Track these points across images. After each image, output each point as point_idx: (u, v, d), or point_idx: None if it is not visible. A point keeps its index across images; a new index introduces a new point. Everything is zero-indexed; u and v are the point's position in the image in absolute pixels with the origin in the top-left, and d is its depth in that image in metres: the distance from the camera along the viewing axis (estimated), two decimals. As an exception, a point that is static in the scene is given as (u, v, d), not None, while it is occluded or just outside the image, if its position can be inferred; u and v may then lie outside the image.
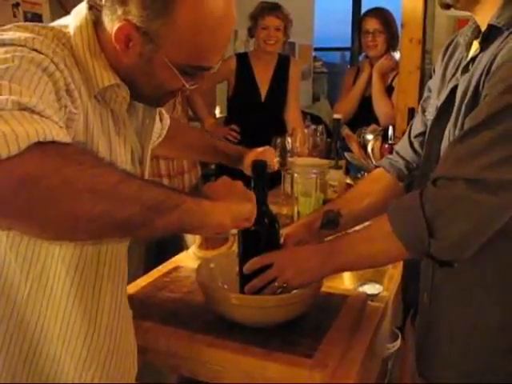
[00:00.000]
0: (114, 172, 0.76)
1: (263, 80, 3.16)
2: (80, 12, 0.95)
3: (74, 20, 0.94)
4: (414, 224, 0.98)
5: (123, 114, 0.99)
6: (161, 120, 1.39)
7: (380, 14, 3.06)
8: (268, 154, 1.63)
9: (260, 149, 1.66)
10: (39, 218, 0.68)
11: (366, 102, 3.06)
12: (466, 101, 1.04)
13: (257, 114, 3.13)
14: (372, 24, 3.02)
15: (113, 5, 0.89)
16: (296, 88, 3.26)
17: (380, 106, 2.96)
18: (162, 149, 1.44)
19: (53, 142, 0.69)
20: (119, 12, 0.88)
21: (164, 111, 1.41)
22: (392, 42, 3.04)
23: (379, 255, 1.09)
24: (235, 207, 0.94)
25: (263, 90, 3.15)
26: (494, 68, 0.97)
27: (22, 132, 0.65)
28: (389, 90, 3.05)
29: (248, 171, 1.52)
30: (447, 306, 1.13)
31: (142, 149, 1.10)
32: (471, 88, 1.03)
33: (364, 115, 2.91)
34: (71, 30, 0.92)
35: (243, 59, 3.16)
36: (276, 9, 3.06)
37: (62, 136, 0.71)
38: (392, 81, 3.06)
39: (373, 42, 2.99)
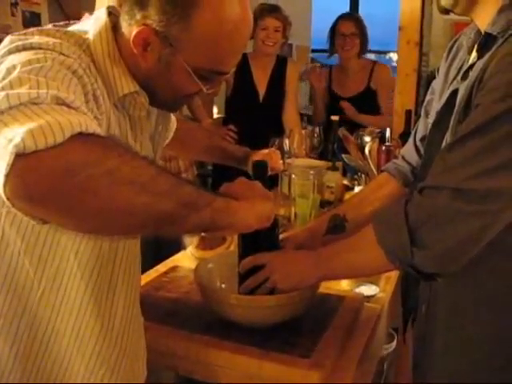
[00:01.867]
0: (152, 165, 0.77)
1: (261, 81, 3.17)
2: (99, 18, 0.95)
3: (93, 26, 0.94)
4: (397, 232, 0.97)
5: (141, 120, 0.99)
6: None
7: (355, 18, 3.27)
8: (273, 156, 1.64)
9: (265, 150, 1.67)
10: (79, 208, 0.68)
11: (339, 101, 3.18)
12: (461, 109, 1.03)
13: (255, 115, 3.14)
14: (348, 27, 3.17)
15: (131, 9, 0.89)
16: (293, 89, 3.26)
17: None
18: (169, 149, 1.45)
19: (93, 134, 0.70)
20: (138, 16, 0.88)
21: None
22: (364, 47, 3.24)
23: (363, 264, 1.08)
24: (259, 207, 0.94)
25: (261, 90, 3.16)
26: (486, 77, 0.96)
27: (66, 122, 0.66)
28: (369, 93, 3.19)
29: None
30: (443, 318, 1.12)
31: (154, 154, 1.10)
32: (466, 96, 1.02)
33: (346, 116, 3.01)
34: (91, 37, 0.92)
35: (242, 60, 3.15)
36: (275, 10, 3.08)
37: (100, 131, 0.72)
38: (369, 83, 3.19)
39: (350, 44, 3.16)
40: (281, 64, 3.21)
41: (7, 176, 0.64)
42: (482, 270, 1.03)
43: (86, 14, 2.03)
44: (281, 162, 1.66)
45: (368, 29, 3.28)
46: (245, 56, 3.21)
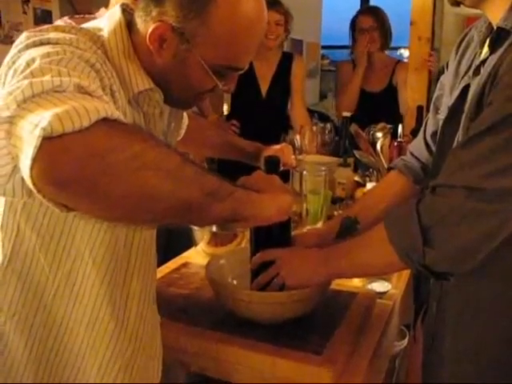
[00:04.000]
0: (176, 153, 0.77)
1: (264, 77, 3.14)
2: (114, 15, 0.95)
3: (107, 23, 0.94)
4: (409, 232, 0.95)
5: (154, 117, 0.99)
6: None
7: (374, 12, 3.14)
8: (286, 151, 1.64)
9: (277, 146, 1.66)
10: (105, 192, 0.68)
11: (366, 98, 3.10)
12: (473, 105, 1.02)
13: (257, 111, 3.13)
14: (367, 21, 3.09)
15: (148, 6, 0.90)
16: (301, 86, 3.24)
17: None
18: (180, 146, 1.45)
19: (116, 120, 0.70)
20: (154, 13, 0.89)
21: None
22: (385, 41, 3.12)
23: (374, 263, 1.07)
24: (279, 199, 0.94)
25: (264, 87, 3.14)
26: (500, 73, 0.94)
27: (92, 107, 0.66)
28: (391, 90, 3.10)
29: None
30: (453, 317, 1.11)
31: None
32: (478, 92, 1.00)
33: (367, 111, 2.92)
34: (105, 34, 0.93)
35: None
36: (276, 4, 3.06)
37: (123, 118, 0.72)
38: (391, 80, 3.11)
39: (370, 39, 3.05)
40: (286, 60, 3.19)
41: (34, 159, 0.64)
42: (495, 269, 1.02)
43: (103, 9, 2.03)
44: (293, 157, 1.65)
45: None
46: None
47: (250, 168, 1.55)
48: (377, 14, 3.12)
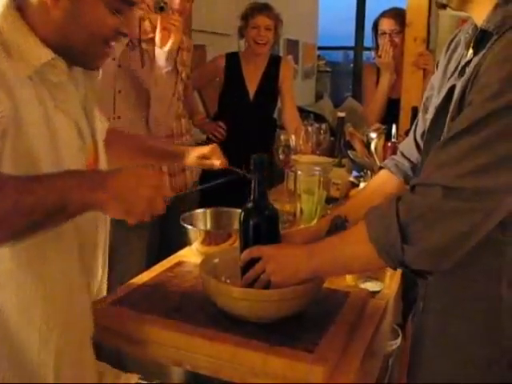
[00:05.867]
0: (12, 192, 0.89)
1: (252, 80, 3.16)
2: (1, 1, 1.00)
3: None
4: (388, 229, 0.97)
5: (63, 86, 1.04)
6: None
7: (396, 14, 3.01)
8: (215, 152, 1.62)
9: (207, 147, 1.65)
10: None
11: (391, 104, 3.01)
12: (455, 105, 1.03)
13: (244, 113, 3.14)
14: (388, 25, 2.98)
15: None
16: (290, 87, 3.26)
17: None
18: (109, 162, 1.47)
19: None
20: None
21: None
22: None
23: (353, 259, 1.08)
24: (128, 203, 1.01)
25: (251, 89, 3.15)
26: (479, 74, 0.96)
27: None
28: None
29: (192, 165, 1.64)
30: (433, 316, 1.13)
31: (89, 120, 1.15)
32: (461, 92, 1.02)
33: (392, 117, 2.79)
34: None
35: (233, 58, 3.17)
36: (267, 8, 3.07)
37: None
38: None
39: (391, 42, 2.94)
40: (274, 63, 3.20)
41: None
42: (473, 269, 1.04)
43: None
44: (223, 158, 1.66)
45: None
46: (236, 55, 3.21)
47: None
48: (400, 16, 2.97)
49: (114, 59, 1.86)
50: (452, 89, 1.10)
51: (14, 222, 0.91)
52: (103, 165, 1.22)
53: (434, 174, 0.95)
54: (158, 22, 1.93)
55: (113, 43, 1.08)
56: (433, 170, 0.96)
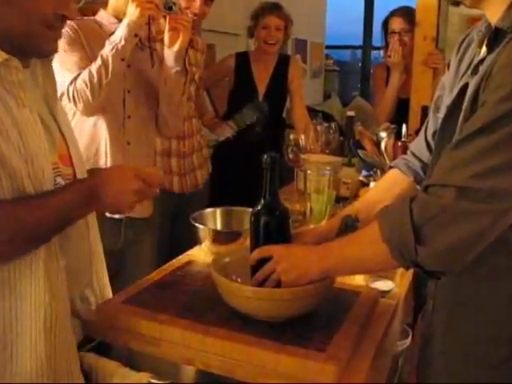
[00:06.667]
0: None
1: (261, 79, 3.17)
2: None
3: None
4: (401, 230, 0.97)
5: (22, 84, 1.05)
6: None
7: (406, 12, 2.99)
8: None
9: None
10: None
11: (401, 103, 2.99)
12: (469, 104, 1.02)
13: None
14: (398, 24, 2.97)
15: None
16: (299, 86, 3.27)
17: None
18: None
19: None
20: None
21: None
22: None
23: (366, 259, 1.08)
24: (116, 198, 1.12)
25: (261, 89, 3.16)
26: (493, 73, 0.95)
27: None
28: None
29: None
30: (444, 316, 1.13)
31: (52, 115, 1.16)
32: (474, 92, 1.01)
33: (401, 117, 2.81)
34: None
35: (243, 58, 3.18)
36: (277, 8, 3.07)
37: None
38: None
39: (401, 41, 2.93)
40: (283, 62, 3.20)
41: None
42: (482, 270, 1.03)
43: (101, 10, 2.05)
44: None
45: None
46: (246, 54, 3.21)
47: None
48: (410, 15, 2.95)
49: (123, 59, 1.86)
50: (465, 87, 1.09)
51: (17, 246, 1.01)
52: (76, 157, 1.22)
53: (447, 174, 0.95)
54: (167, 22, 1.94)
55: (59, 26, 1.08)
56: (446, 171, 0.96)
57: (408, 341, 2.01)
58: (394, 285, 1.44)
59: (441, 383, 1.14)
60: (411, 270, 1.49)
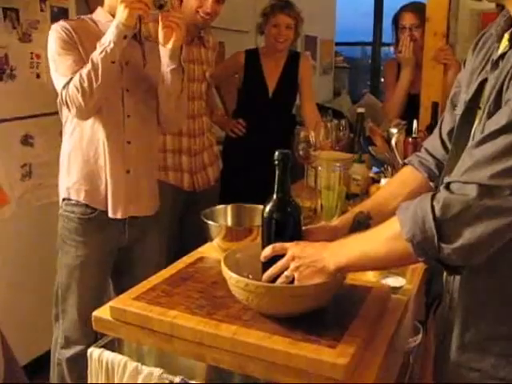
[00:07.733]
0: None
1: (271, 76, 3.16)
2: None
3: None
4: (424, 227, 0.96)
5: None
6: None
7: (416, 8, 2.98)
8: None
9: None
10: None
11: (411, 99, 2.98)
12: (491, 100, 1.01)
13: (264, 110, 3.15)
14: (408, 19, 2.96)
15: None
16: (309, 83, 3.26)
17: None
18: None
19: None
20: None
21: None
22: None
23: (385, 256, 1.07)
24: None
25: (271, 86, 3.16)
26: None
27: None
28: None
29: None
30: (461, 313, 1.12)
31: None
32: (497, 88, 1.00)
33: (411, 113, 2.78)
34: None
35: (253, 55, 3.17)
36: (288, 7, 3.06)
37: None
38: None
39: (411, 37, 2.92)
40: (293, 59, 3.20)
41: None
42: (501, 265, 1.03)
43: (99, 8, 2.05)
44: None
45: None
46: (256, 51, 3.21)
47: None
48: (420, 10, 2.93)
49: (113, 62, 1.84)
50: (483, 83, 1.08)
51: None
52: None
53: (470, 171, 0.95)
54: (159, 20, 1.92)
55: None
56: (468, 168, 0.96)
57: (419, 337, 2.01)
58: (404, 281, 1.44)
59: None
60: (423, 266, 1.49)
